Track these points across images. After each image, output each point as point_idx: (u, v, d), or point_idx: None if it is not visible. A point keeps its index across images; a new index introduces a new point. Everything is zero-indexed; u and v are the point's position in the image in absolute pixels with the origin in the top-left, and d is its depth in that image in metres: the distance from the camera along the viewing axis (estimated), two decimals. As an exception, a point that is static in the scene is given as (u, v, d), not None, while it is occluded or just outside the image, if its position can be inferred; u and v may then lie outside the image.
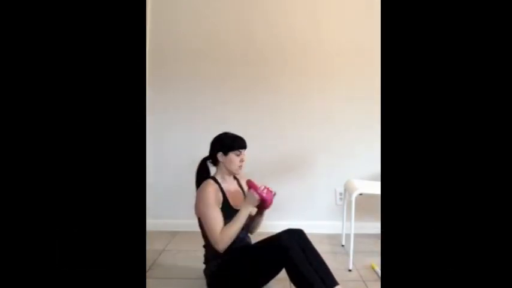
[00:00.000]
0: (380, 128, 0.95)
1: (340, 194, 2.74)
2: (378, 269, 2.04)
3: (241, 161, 1.78)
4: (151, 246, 2.35)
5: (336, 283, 1.55)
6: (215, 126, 2.70)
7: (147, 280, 1.86)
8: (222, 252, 1.63)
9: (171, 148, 2.69)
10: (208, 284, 1.74)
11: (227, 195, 1.75)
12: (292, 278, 1.56)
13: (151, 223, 2.57)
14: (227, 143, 1.78)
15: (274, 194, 1.72)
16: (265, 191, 1.68)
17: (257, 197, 1.66)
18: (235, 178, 1.90)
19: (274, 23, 2.74)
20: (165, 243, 2.44)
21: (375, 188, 2.13)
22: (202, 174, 1.82)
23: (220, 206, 1.71)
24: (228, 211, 1.70)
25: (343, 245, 2.47)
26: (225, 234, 1.62)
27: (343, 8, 2.74)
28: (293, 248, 1.55)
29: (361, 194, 2.06)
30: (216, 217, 1.65)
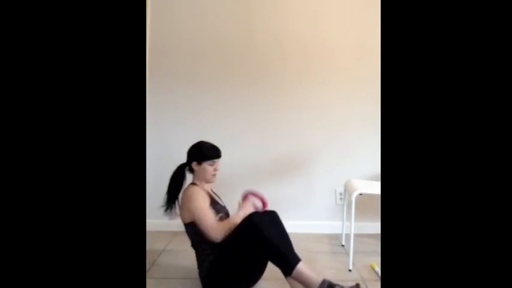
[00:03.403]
0: (380, 128, 0.95)
1: (340, 194, 2.74)
2: (378, 269, 2.04)
3: (215, 170, 1.88)
4: (151, 246, 2.35)
5: (299, 259, 1.58)
6: (215, 126, 2.73)
7: (147, 280, 1.86)
8: (219, 240, 1.71)
9: (171, 148, 2.70)
10: (204, 285, 1.75)
11: (210, 194, 1.89)
12: (266, 252, 1.59)
13: (151, 223, 2.58)
14: (202, 153, 1.87)
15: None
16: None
17: (260, 205, 1.84)
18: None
19: (274, 22, 2.74)
20: (165, 243, 2.45)
21: (375, 188, 2.13)
22: (178, 181, 1.90)
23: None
24: (215, 206, 1.83)
25: (343, 245, 2.47)
26: (221, 228, 1.71)
27: (344, 7, 2.74)
28: (262, 223, 1.60)
29: (361, 194, 2.06)
30: (211, 215, 1.76)
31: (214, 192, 1.99)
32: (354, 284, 1.52)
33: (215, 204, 1.85)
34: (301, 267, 1.53)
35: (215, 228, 1.71)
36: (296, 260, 1.56)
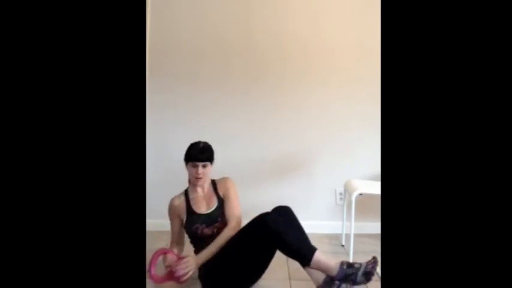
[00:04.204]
0: (380, 128, 0.95)
1: (340, 194, 2.74)
2: (378, 269, 2.03)
3: (197, 172, 1.81)
4: (151, 246, 2.34)
5: (315, 249, 1.58)
6: (215, 126, 2.73)
7: (147, 280, 1.86)
8: None
9: (171, 148, 2.70)
10: (203, 285, 1.76)
11: (191, 203, 1.86)
12: (281, 249, 1.60)
13: (151, 223, 2.57)
14: (186, 154, 1.86)
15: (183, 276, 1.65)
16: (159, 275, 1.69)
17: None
18: (213, 183, 1.94)
19: (274, 22, 2.74)
20: (165, 243, 2.44)
21: (375, 188, 2.13)
22: None
23: (185, 215, 1.85)
24: (191, 217, 1.83)
25: (343, 245, 2.47)
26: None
27: (344, 7, 2.74)
28: (274, 221, 1.59)
29: (361, 194, 2.06)
30: (171, 229, 1.91)
31: (216, 192, 1.90)
32: (371, 258, 1.54)
33: (192, 215, 1.82)
34: (317, 256, 1.54)
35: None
36: (312, 250, 1.56)
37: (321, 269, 1.54)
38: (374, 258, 1.52)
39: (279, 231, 1.56)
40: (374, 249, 2.39)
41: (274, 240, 1.57)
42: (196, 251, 1.82)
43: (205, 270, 1.72)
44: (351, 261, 2.02)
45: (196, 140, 1.92)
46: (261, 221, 1.61)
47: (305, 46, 2.73)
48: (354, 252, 2.10)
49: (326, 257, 1.55)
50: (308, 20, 2.73)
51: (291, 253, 1.59)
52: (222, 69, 2.73)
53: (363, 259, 2.16)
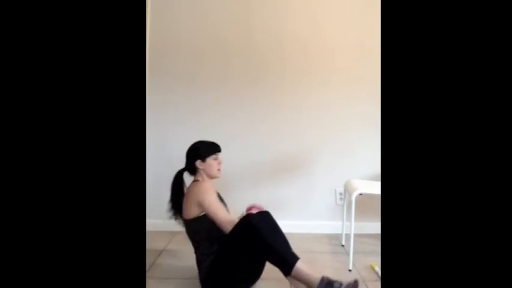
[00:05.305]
0: (380, 128, 0.95)
1: (340, 194, 2.74)
2: (378, 269, 2.04)
3: (219, 163, 1.91)
4: (151, 246, 2.35)
5: (297, 258, 1.58)
6: (215, 126, 2.73)
7: (147, 280, 1.86)
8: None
9: (171, 148, 2.70)
10: (203, 286, 1.76)
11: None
12: (264, 253, 1.59)
13: (151, 223, 2.57)
14: (204, 150, 1.89)
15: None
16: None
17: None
18: None
19: (274, 22, 2.74)
20: (165, 243, 2.45)
21: (375, 188, 2.13)
22: (179, 187, 1.92)
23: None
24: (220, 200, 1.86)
25: (343, 245, 2.47)
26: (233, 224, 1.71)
27: (344, 7, 2.74)
28: (259, 224, 1.60)
29: (361, 194, 2.06)
30: (224, 209, 1.80)
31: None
32: (352, 280, 1.52)
33: (221, 201, 1.88)
34: (300, 265, 1.53)
35: (230, 223, 1.70)
36: (294, 259, 1.55)
37: (301, 279, 1.53)
38: (355, 281, 1.50)
39: (260, 229, 1.56)
40: (374, 249, 2.39)
41: (257, 240, 1.56)
42: (204, 242, 1.80)
43: (205, 271, 1.72)
44: (350, 265, 2.03)
45: (197, 139, 1.92)
46: (244, 220, 1.63)
47: (305, 46, 2.73)
48: (354, 252, 2.09)
49: (308, 268, 1.53)
50: (308, 20, 2.73)
51: (273, 257, 1.57)
52: (222, 69, 2.73)
53: (362, 259, 2.18)
